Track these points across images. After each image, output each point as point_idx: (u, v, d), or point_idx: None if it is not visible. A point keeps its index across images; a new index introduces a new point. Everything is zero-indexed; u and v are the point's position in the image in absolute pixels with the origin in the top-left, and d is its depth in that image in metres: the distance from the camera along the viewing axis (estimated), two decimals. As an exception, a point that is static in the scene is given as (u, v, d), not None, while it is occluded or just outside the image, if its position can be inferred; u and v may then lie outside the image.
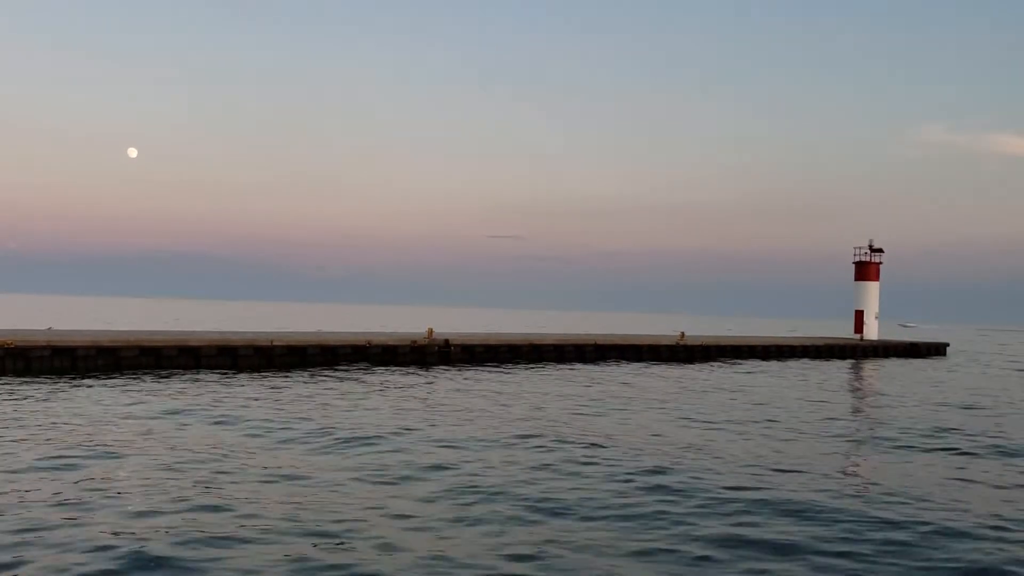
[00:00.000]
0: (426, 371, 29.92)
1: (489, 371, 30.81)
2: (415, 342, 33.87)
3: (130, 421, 16.42)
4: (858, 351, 52.33)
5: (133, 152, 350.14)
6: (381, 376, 27.51)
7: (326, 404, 19.86)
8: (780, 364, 41.52)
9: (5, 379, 23.06)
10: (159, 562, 8.01)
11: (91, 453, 13.10)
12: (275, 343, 30.29)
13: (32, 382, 22.51)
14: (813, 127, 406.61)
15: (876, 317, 58.20)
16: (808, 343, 50.58)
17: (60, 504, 10.01)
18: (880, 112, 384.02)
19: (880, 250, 57.72)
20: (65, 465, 12.17)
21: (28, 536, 8.70)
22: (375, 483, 11.66)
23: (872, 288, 57.66)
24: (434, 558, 8.36)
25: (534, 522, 9.88)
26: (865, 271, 57.57)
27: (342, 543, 8.81)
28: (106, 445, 13.80)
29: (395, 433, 15.94)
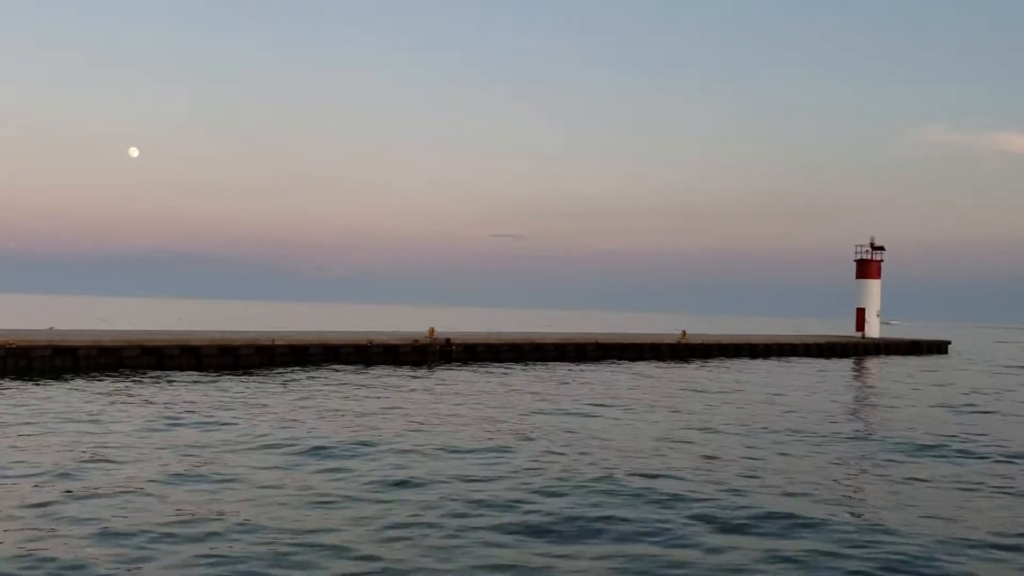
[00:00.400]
0: (428, 371, 29.90)
1: (490, 370, 30.78)
2: (416, 341, 33.86)
3: (120, 425, 16.39)
4: (859, 349, 52.32)
5: (134, 152, 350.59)
6: (382, 377, 27.48)
7: (319, 406, 19.82)
8: (781, 363, 41.50)
9: (6, 379, 23.04)
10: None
11: (80, 458, 13.06)
12: (277, 342, 30.28)
13: (32, 382, 22.47)
14: (813, 127, 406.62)
15: (878, 315, 58.22)
16: (810, 341, 50.56)
17: (36, 514, 9.88)
18: (880, 112, 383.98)
19: (881, 248, 57.74)
20: (46, 469, 12.11)
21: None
22: (355, 489, 11.61)
23: (873, 286, 57.68)
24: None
25: (520, 534, 9.82)
26: (866, 269, 57.60)
27: (303, 554, 8.49)
28: (92, 449, 13.77)
29: (391, 440, 15.92)
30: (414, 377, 27.33)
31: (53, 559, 8.02)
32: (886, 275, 57.97)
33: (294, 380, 25.05)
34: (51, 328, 36.64)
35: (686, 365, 37.44)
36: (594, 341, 39.84)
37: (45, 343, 25.96)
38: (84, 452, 13.16)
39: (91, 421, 16.24)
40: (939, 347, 59.26)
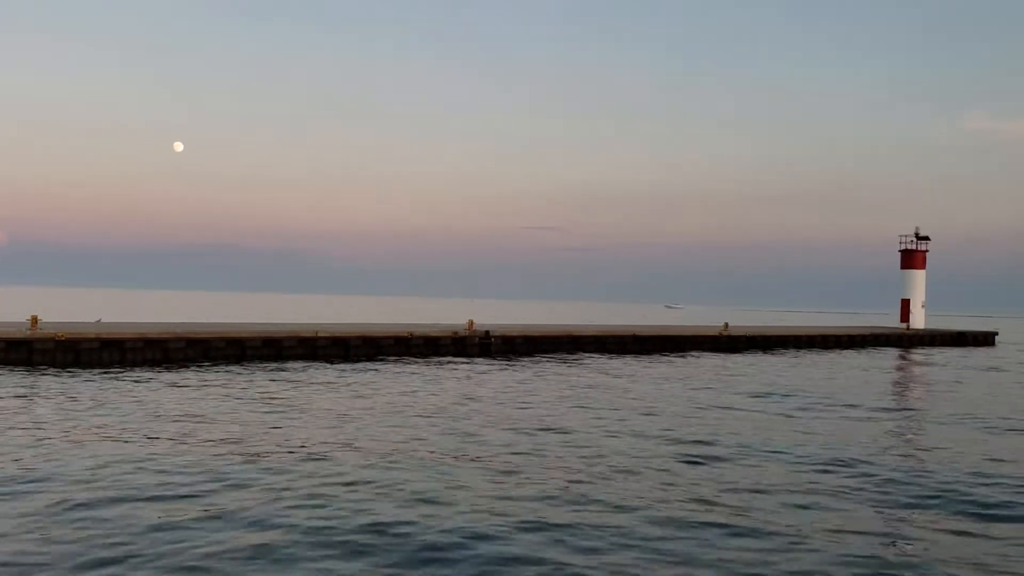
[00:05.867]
0: (468, 362, 29.92)
1: (529, 363, 30.71)
2: (456, 333, 33.88)
3: (140, 416, 16.57)
4: (904, 340, 51.40)
5: (179, 146, 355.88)
6: (412, 374, 27.54)
7: (355, 395, 19.91)
8: (827, 354, 40.87)
9: (54, 371, 23.44)
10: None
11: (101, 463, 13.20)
12: (319, 335, 30.48)
13: (80, 374, 22.84)
14: (856, 116, 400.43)
15: (923, 305, 57.14)
16: (854, 332, 49.78)
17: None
18: (923, 100, 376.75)
19: (926, 238, 56.61)
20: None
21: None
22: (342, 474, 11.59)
23: (918, 276, 56.63)
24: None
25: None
26: (911, 259, 56.57)
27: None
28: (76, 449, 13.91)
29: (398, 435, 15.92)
30: (452, 370, 27.33)
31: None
32: (931, 265, 56.94)
33: (314, 373, 25.18)
34: (98, 321, 37.26)
35: (728, 357, 36.93)
36: (632, 334, 39.55)
37: (92, 336, 26.37)
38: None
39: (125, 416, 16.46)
40: (985, 338, 57.97)
